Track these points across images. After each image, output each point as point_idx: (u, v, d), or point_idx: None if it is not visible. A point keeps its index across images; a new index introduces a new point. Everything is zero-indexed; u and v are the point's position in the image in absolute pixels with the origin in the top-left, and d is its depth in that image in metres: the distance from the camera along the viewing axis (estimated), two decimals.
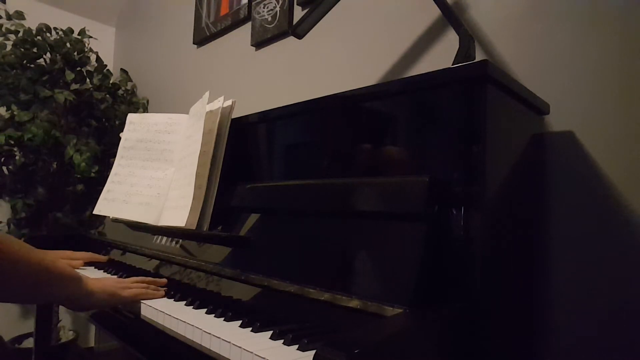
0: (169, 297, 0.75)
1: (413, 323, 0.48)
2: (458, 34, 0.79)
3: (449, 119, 0.64)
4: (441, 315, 0.50)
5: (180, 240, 0.93)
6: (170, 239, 0.96)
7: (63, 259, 1.00)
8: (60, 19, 2.12)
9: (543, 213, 0.80)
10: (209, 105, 0.94)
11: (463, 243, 0.56)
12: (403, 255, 0.55)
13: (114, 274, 0.95)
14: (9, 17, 1.83)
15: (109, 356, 2.21)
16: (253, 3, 1.54)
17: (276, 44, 1.49)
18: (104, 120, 2.05)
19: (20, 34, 1.80)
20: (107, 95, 2.02)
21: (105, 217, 1.25)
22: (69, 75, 1.86)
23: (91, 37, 2.03)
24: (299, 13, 1.39)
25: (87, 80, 1.99)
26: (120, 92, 2.15)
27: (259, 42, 1.53)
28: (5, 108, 1.77)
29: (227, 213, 0.86)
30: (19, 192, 1.84)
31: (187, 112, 1.07)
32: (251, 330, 0.55)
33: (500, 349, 0.62)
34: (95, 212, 1.10)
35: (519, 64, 0.88)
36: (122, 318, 0.79)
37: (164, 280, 0.80)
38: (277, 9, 1.44)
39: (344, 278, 0.60)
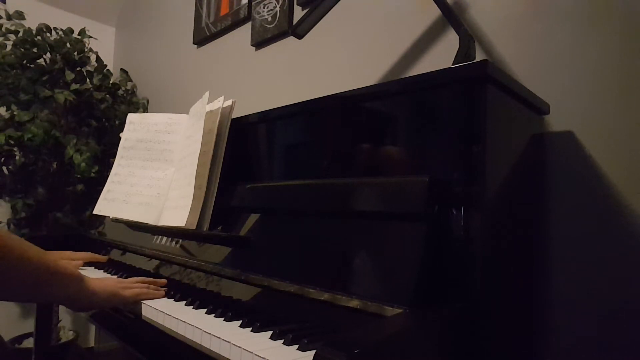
0: (169, 297, 0.75)
1: (413, 323, 0.48)
2: (458, 34, 0.79)
3: (449, 119, 0.64)
4: (441, 315, 0.50)
5: (180, 240, 0.93)
6: (170, 239, 0.96)
7: (63, 259, 1.00)
8: (60, 19, 2.11)
9: (543, 213, 0.80)
10: (209, 105, 0.94)
11: (463, 243, 0.56)
12: (403, 255, 0.55)
13: (114, 274, 0.95)
14: (9, 17, 1.83)
15: (109, 356, 2.21)
16: (253, 3, 1.54)
17: (276, 44, 1.49)
18: (104, 120, 2.04)
19: (20, 34, 1.80)
20: (107, 95, 2.02)
21: (105, 217, 1.25)
22: (69, 75, 1.86)
23: (91, 37, 2.03)
24: (299, 13, 1.39)
25: (87, 80, 1.99)
26: (120, 92, 2.15)
27: (259, 42, 1.53)
28: (5, 108, 1.77)
29: (227, 213, 0.86)
30: (19, 192, 1.84)
31: (187, 112, 1.07)
32: (251, 330, 0.55)
33: (500, 349, 0.62)
34: (95, 212, 1.10)
35: (519, 64, 0.88)
36: (122, 318, 0.79)
37: (164, 280, 0.80)
38: (277, 9, 1.44)
39: (344, 278, 0.60)
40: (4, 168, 1.84)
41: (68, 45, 1.92)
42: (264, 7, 1.49)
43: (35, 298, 0.83)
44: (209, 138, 0.90)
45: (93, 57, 2.05)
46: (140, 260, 1.00)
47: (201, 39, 1.82)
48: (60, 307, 1.81)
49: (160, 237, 0.99)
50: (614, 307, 0.72)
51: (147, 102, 2.20)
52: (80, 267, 1.02)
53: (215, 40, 1.78)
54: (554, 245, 0.79)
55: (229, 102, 0.92)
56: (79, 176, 1.81)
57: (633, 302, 0.71)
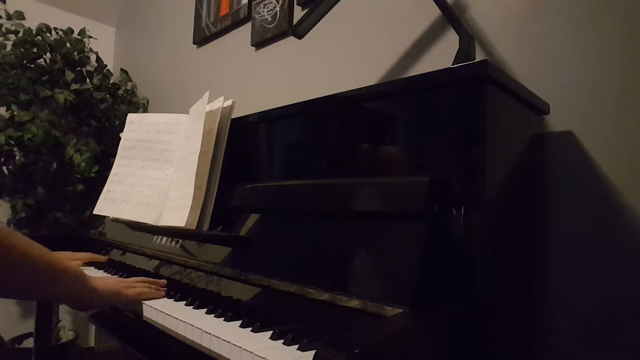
0: (169, 297, 0.75)
1: (413, 323, 0.48)
2: (458, 34, 0.79)
3: (449, 119, 0.64)
4: (441, 315, 0.50)
5: (180, 240, 0.93)
6: (170, 239, 0.96)
7: None
8: (60, 19, 2.11)
9: (543, 213, 0.80)
10: (209, 105, 0.94)
11: (463, 243, 0.56)
12: (403, 255, 0.55)
13: (114, 274, 0.95)
14: (9, 17, 1.83)
15: (109, 356, 2.21)
16: (253, 3, 1.54)
17: (276, 44, 1.49)
18: (104, 120, 2.04)
19: (20, 34, 1.80)
20: (107, 95, 2.02)
21: (105, 217, 1.25)
22: (69, 75, 1.86)
23: (91, 37, 2.03)
24: (299, 13, 1.39)
25: (87, 80, 1.99)
26: (120, 92, 2.15)
27: (259, 42, 1.53)
28: (5, 108, 1.77)
29: (227, 213, 0.86)
30: (19, 192, 1.84)
31: (187, 112, 1.07)
32: (251, 330, 0.55)
33: (500, 349, 0.62)
34: (95, 212, 1.10)
35: (519, 64, 0.88)
36: (122, 318, 0.79)
37: (164, 281, 0.80)
38: (277, 9, 1.44)
39: (344, 278, 0.60)
40: (4, 168, 1.84)
41: (68, 45, 1.92)
42: (264, 7, 1.49)
43: (38, 296, 0.83)
44: (209, 138, 0.90)
45: (93, 57, 2.05)
46: (140, 260, 1.00)
47: (201, 39, 1.82)
48: (61, 307, 1.81)
49: (160, 237, 0.99)
50: (614, 307, 0.72)
51: (147, 102, 2.20)
52: (80, 267, 1.02)
53: (215, 40, 1.78)
54: (554, 245, 0.79)
55: (229, 102, 0.92)
56: (79, 176, 1.81)
57: (633, 302, 0.71)
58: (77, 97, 1.86)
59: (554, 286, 0.79)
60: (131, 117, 1.15)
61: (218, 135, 0.90)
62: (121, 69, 2.25)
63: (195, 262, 0.84)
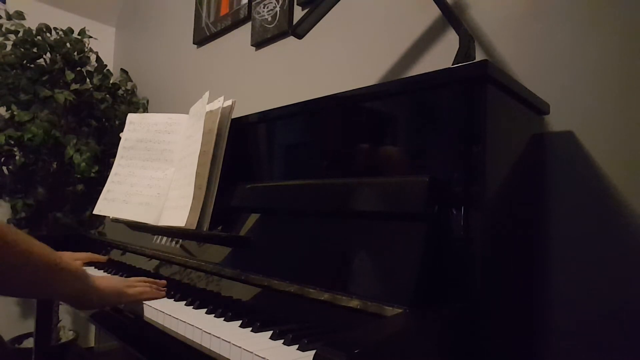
0: (169, 297, 0.75)
1: (413, 323, 0.48)
2: (458, 34, 0.79)
3: (449, 119, 0.64)
4: (441, 315, 0.50)
5: (180, 240, 0.93)
6: (170, 239, 0.96)
7: None
8: (60, 19, 2.11)
9: (543, 213, 0.80)
10: (209, 105, 0.94)
11: (463, 243, 0.56)
12: (403, 255, 0.55)
13: (114, 274, 0.95)
14: (9, 17, 1.83)
15: (109, 356, 2.21)
16: (253, 3, 1.54)
17: (276, 44, 1.49)
18: (104, 120, 2.04)
19: (20, 34, 1.80)
20: (107, 95, 2.02)
21: (105, 217, 1.25)
22: (69, 75, 1.86)
23: (91, 37, 2.03)
24: (299, 13, 1.39)
25: (87, 80, 1.99)
26: (120, 92, 2.15)
27: (259, 42, 1.53)
28: (5, 108, 1.77)
29: (227, 213, 0.86)
30: (19, 192, 1.84)
31: (187, 112, 1.07)
32: (251, 330, 0.55)
33: (500, 349, 0.62)
34: (95, 212, 1.10)
35: (519, 64, 0.88)
36: (122, 318, 0.79)
37: (164, 282, 0.80)
38: (277, 9, 1.44)
39: (344, 278, 0.60)
40: (4, 168, 1.84)
41: (68, 45, 1.92)
42: (264, 7, 1.49)
43: (39, 294, 0.83)
44: (209, 138, 0.90)
45: (93, 57, 2.05)
46: (140, 260, 1.00)
47: (201, 39, 1.82)
48: (61, 307, 1.81)
49: (160, 237, 0.99)
50: (614, 307, 0.72)
51: (147, 102, 2.20)
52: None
53: (215, 40, 1.78)
54: (554, 245, 0.79)
55: (229, 102, 0.92)
56: (79, 176, 1.81)
57: (633, 302, 0.71)
58: (77, 97, 1.86)
59: (554, 286, 0.79)
60: (131, 117, 1.15)
61: (218, 135, 0.90)
62: (121, 69, 2.25)
63: (195, 262, 0.84)
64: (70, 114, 1.93)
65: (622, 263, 0.72)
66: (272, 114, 0.91)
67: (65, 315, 2.06)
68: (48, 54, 1.88)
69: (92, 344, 2.31)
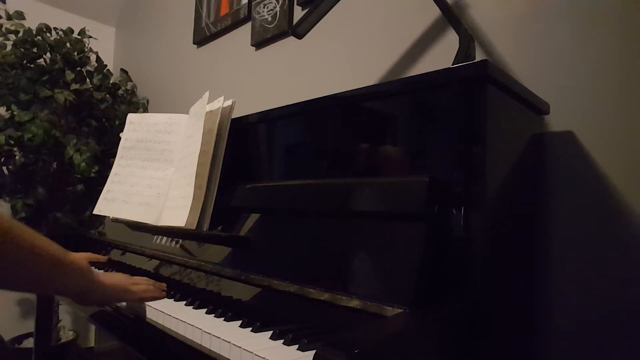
0: (169, 297, 0.75)
1: (413, 323, 0.48)
2: (458, 34, 0.79)
3: (449, 119, 0.64)
4: (441, 315, 0.50)
5: (180, 240, 0.93)
6: (170, 239, 0.96)
7: None
8: (60, 19, 2.11)
9: (543, 213, 0.80)
10: (209, 105, 0.94)
11: (463, 243, 0.56)
12: (403, 255, 0.55)
13: None
14: (9, 17, 1.82)
15: (109, 356, 2.21)
16: (253, 3, 1.54)
17: (276, 44, 1.49)
18: (104, 120, 2.04)
19: (20, 34, 1.80)
20: (107, 95, 2.02)
21: (105, 217, 1.25)
22: (69, 75, 1.86)
23: (91, 37, 2.03)
24: (299, 13, 1.39)
25: (87, 80, 1.99)
26: (120, 92, 2.15)
27: (259, 42, 1.53)
28: (5, 108, 1.77)
29: (227, 213, 0.86)
30: (19, 192, 1.84)
31: (187, 112, 1.07)
32: (251, 330, 0.55)
33: (500, 349, 0.62)
34: (95, 212, 1.10)
35: (519, 64, 0.88)
36: (122, 318, 0.79)
37: (164, 284, 0.80)
38: (277, 9, 1.44)
39: (344, 278, 0.60)
40: (4, 168, 1.83)
41: (68, 45, 1.92)
42: (264, 7, 1.49)
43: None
44: (209, 138, 0.90)
45: (93, 57, 2.05)
46: (140, 260, 1.00)
47: (201, 39, 1.82)
48: (61, 306, 1.82)
49: (160, 237, 0.99)
50: (614, 307, 0.72)
51: (147, 102, 2.20)
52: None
53: (215, 40, 1.78)
54: (554, 245, 0.79)
55: (229, 102, 0.92)
56: (79, 176, 1.81)
57: (633, 302, 0.71)
58: (77, 97, 1.86)
59: (554, 286, 0.78)
60: (131, 117, 1.15)
61: (218, 135, 0.90)
62: (121, 69, 2.25)
63: (195, 262, 0.84)
64: (70, 114, 1.93)
65: (622, 263, 0.72)
66: (272, 114, 0.91)
67: (65, 315, 2.06)
68: (48, 54, 1.88)
69: (92, 344, 2.31)
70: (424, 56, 1.05)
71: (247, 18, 1.59)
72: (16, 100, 1.76)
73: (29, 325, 2.01)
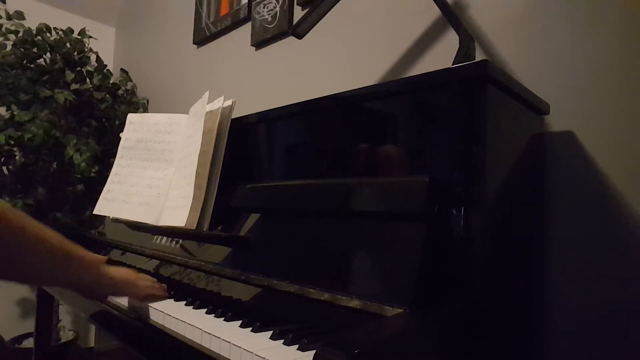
0: (169, 297, 0.75)
1: (413, 323, 0.48)
2: (458, 34, 0.79)
3: (448, 119, 0.64)
4: (441, 315, 0.50)
5: (180, 240, 0.93)
6: (170, 239, 0.96)
7: None
8: (60, 19, 2.11)
9: (543, 213, 0.80)
10: (209, 105, 0.94)
11: (463, 243, 0.56)
12: (403, 255, 0.55)
13: None
14: (9, 17, 1.82)
15: (109, 356, 2.21)
16: (253, 3, 1.54)
17: (276, 44, 1.49)
18: (104, 120, 2.04)
19: (20, 34, 1.80)
20: (107, 95, 2.02)
21: (105, 217, 1.25)
22: (69, 75, 1.86)
23: (91, 37, 2.03)
24: (299, 13, 1.39)
25: (87, 80, 1.99)
26: (120, 92, 2.15)
27: (259, 42, 1.53)
28: (5, 108, 1.77)
29: (227, 213, 0.86)
30: (19, 192, 1.84)
31: (187, 112, 1.07)
32: (251, 330, 0.55)
33: (500, 349, 0.62)
34: (95, 212, 1.10)
35: (519, 64, 0.88)
36: (122, 318, 0.79)
37: (164, 285, 0.80)
38: (277, 9, 1.44)
39: (344, 278, 0.60)
40: (4, 168, 1.83)
41: (68, 45, 1.92)
42: (264, 7, 1.49)
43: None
44: (209, 138, 0.90)
45: (93, 57, 2.05)
46: (140, 260, 1.00)
47: (201, 39, 1.82)
48: (61, 307, 1.81)
49: (160, 237, 0.99)
50: (614, 307, 0.72)
51: (147, 102, 2.20)
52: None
53: (215, 40, 1.78)
54: (554, 245, 0.79)
55: (229, 102, 0.92)
56: (79, 176, 1.81)
57: (633, 302, 0.71)
58: (77, 97, 1.86)
59: (554, 286, 0.78)
60: (131, 117, 1.15)
61: (218, 135, 0.90)
62: (121, 69, 2.25)
63: (195, 262, 0.84)
64: (70, 114, 1.93)
65: (622, 263, 0.72)
66: (272, 114, 0.91)
67: (65, 315, 2.06)
68: (48, 54, 1.88)
69: (92, 344, 2.31)
70: (424, 56, 1.05)
71: (247, 18, 1.59)
72: (16, 100, 1.76)
73: (29, 325, 2.01)
